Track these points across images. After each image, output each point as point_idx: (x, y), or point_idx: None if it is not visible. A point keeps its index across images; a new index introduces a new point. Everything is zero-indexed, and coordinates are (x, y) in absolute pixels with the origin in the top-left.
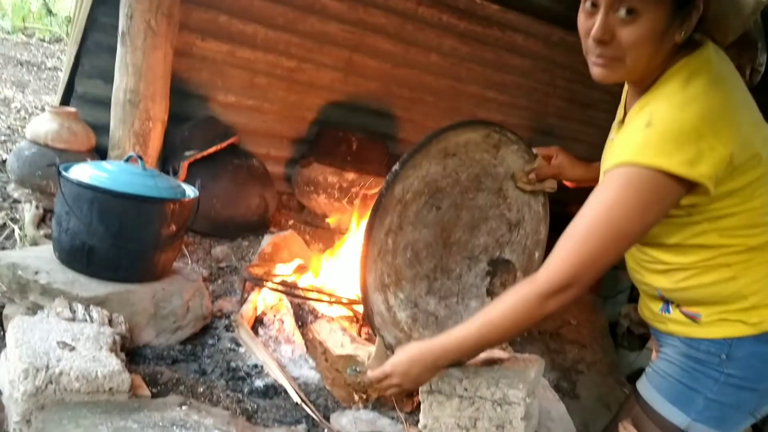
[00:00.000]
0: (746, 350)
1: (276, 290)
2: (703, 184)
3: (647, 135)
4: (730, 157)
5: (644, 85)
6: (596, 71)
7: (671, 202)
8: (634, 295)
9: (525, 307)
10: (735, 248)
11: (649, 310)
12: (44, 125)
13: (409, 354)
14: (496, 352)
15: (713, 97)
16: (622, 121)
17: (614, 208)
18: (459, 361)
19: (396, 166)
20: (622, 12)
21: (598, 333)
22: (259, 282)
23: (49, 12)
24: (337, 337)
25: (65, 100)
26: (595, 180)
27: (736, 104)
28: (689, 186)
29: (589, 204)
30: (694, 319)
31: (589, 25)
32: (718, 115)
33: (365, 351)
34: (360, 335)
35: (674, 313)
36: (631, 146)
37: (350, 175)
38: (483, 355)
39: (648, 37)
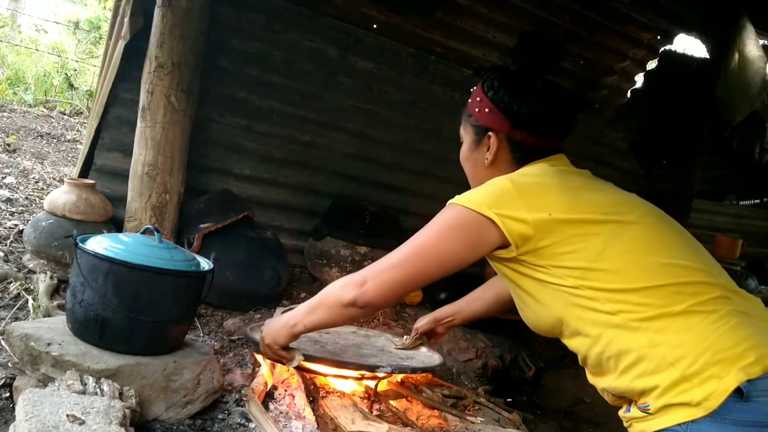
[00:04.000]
0: None
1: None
2: (504, 233)
3: (471, 191)
4: (543, 207)
5: None
6: None
7: (481, 238)
8: None
9: (332, 291)
10: (620, 305)
11: (622, 416)
12: (62, 196)
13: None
14: (509, 431)
15: (532, 172)
16: None
17: (426, 230)
18: (297, 323)
19: None
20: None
21: (613, 412)
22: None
23: (71, 86)
24: (349, 413)
25: (84, 172)
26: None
27: (559, 180)
28: (499, 234)
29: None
30: (646, 410)
31: None
32: (532, 183)
33: (377, 428)
34: (371, 411)
35: (633, 410)
36: (460, 196)
37: (363, 249)
38: None
39: (464, 155)
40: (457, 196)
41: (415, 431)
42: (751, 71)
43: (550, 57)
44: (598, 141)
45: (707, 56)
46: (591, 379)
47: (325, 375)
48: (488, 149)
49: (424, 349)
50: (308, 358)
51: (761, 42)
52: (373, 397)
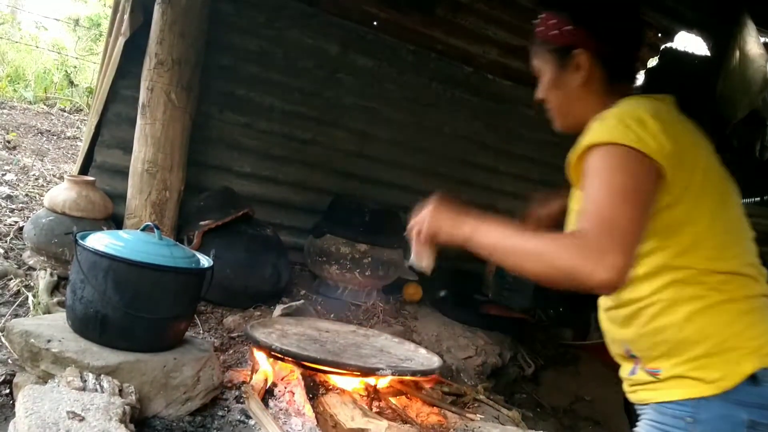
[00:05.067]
0: (712, 412)
1: (283, 359)
2: (659, 167)
3: (601, 122)
4: (678, 154)
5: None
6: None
7: (647, 176)
8: None
9: (565, 250)
10: (681, 272)
11: (624, 380)
12: (62, 194)
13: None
14: (509, 429)
15: (654, 104)
16: None
17: (604, 176)
18: (480, 245)
19: None
20: (537, 76)
21: (612, 409)
22: (266, 349)
23: (71, 83)
24: (348, 410)
25: (84, 169)
26: None
27: (680, 119)
28: (653, 167)
29: (586, 188)
30: (655, 375)
31: None
32: (662, 112)
33: (376, 425)
34: (371, 408)
35: (639, 374)
36: (596, 132)
37: (363, 246)
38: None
39: (551, 87)
40: (594, 136)
41: (414, 428)
42: (752, 69)
43: None
44: None
45: (708, 54)
46: (610, 326)
47: (325, 372)
48: (578, 68)
49: (422, 351)
50: (307, 359)
51: (762, 40)
52: (372, 394)
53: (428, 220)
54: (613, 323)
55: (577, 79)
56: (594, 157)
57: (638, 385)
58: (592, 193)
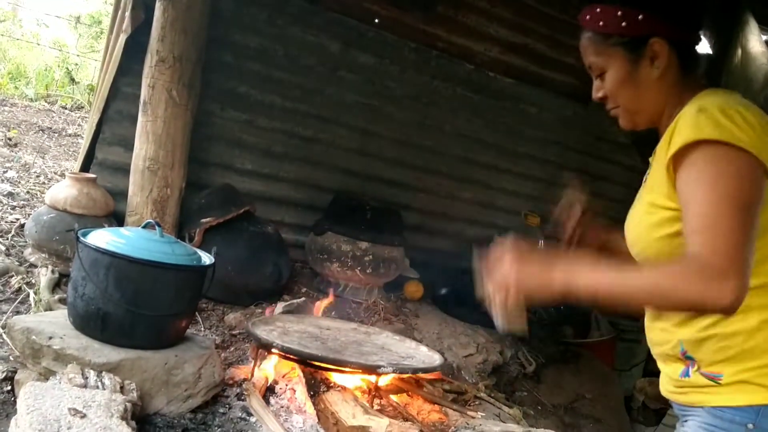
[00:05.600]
0: None
1: (285, 357)
2: (764, 164)
3: (704, 117)
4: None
5: (666, 126)
6: (619, 123)
7: (757, 179)
8: (649, 369)
9: (684, 280)
10: (761, 279)
11: (670, 380)
12: (63, 191)
13: (536, 251)
14: (510, 426)
15: (750, 103)
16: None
17: (718, 182)
18: (585, 290)
19: None
20: (596, 73)
21: (613, 408)
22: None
23: (72, 80)
24: (350, 407)
25: (85, 167)
26: None
27: (761, 113)
28: (760, 167)
29: (694, 192)
30: (715, 380)
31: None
32: (760, 113)
33: (378, 422)
34: (372, 406)
35: (694, 376)
36: (688, 129)
37: (364, 244)
38: (498, 429)
39: (621, 82)
40: (699, 131)
41: (415, 426)
42: (754, 67)
43: None
44: (601, 137)
45: (709, 52)
46: (661, 324)
47: (326, 369)
48: (654, 59)
49: (423, 349)
50: (309, 356)
51: (764, 38)
52: (373, 391)
53: (513, 279)
54: (666, 321)
55: (654, 71)
56: (697, 158)
57: (690, 387)
58: (700, 204)
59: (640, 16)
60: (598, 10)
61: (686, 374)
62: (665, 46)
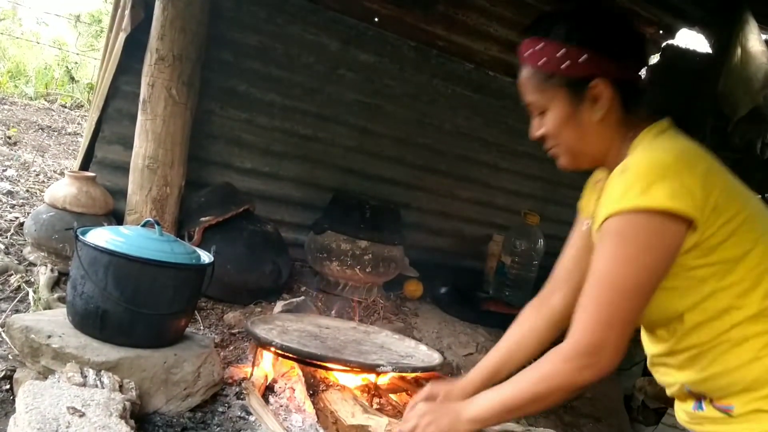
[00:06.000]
0: None
1: (284, 356)
2: (690, 219)
3: (625, 180)
4: (708, 197)
5: (614, 166)
6: (558, 163)
7: (671, 241)
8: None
9: (555, 376)
10: (747, 311)
11: (684, 412)
12: (63, 189)
13: (436, 406)
14: (509, 426)
15: (683, 142)
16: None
17: (611, 263)
18: (485, 422)
19: None
20: (535, 112)
21: (612, 407)
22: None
23: (72, 79)
24: (349, 406)
25: (84, 165)
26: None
27: (706, 159)
28: (683, 223)
29: (593, 267)
30: (728, 413)
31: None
32: (692, 156)
33: (377, 421)
34: (372, 405)
35: (708, 409)
36: (612, 197)
37: (363, 243)
38: (497, 428)
39: (562, 123)
40: (614, 203)
41: None
42: (754, 66)
43: None
44: None
45: (710, 51)
46: (663, 370)
47: (326, 369)
48: (596, 101)
49: (423, 348)
50: (308, 355)
51: (764, 37)
52: (373, 390)
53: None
54: (667, 367)
55: (596, 113)
56: (610, 226)
57: (706, 419)
58: (597, 274)
59: (583, 56)
60: (539, 45)
61: (699, 407)
62: (608, 88)
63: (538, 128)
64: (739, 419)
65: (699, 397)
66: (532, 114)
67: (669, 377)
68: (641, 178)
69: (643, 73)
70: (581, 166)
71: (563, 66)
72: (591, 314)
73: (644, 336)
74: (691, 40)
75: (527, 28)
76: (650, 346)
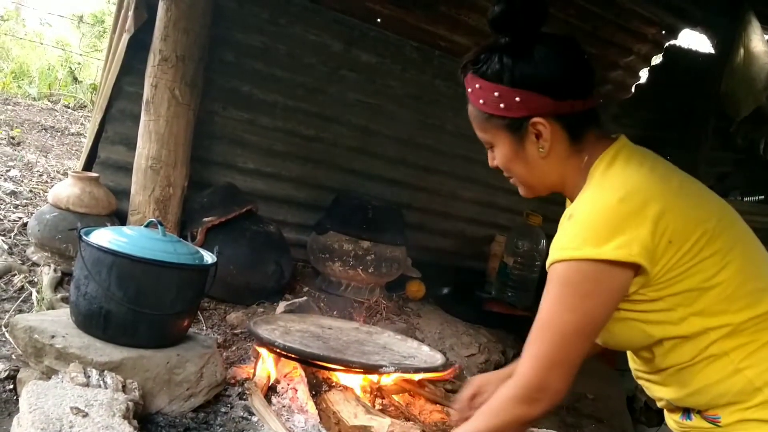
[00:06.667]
0: None
1: (287, 357)
2: (637, 264)
3: (571, 228)
4: (661, 237)
5: (574, 194)
6: (520, 192)
7: (616, 287)
8: None
9: (506, 412)
10: (723, 330)
11: (674, 421)
12: (66, 190)
13: None
14: None
15: (632, 176)
16: None
17: (556, 308)
18: None
19: None
20: (487, 146)
21: (615, 408)
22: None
23: (75, 80)
24: (351, 407)
25: (88, 166)
26: None
27: (662, 181)
28: (630, 269)
29: (540, 308)
30: (715, 423)
31: None
32: (642, 193)
33: (379, 422)
34: (374, 405)
35: (696, 420)
36: (559, 243)
37: (365, 243)
38: None
39: (509, 160)
40: (560, 250)
41: (417, 426)
42: (757, 66)
43: (534, 8)
44: None
45: (712, 52)
46: (647, 384)
47: (328, 369)
48: (539, 137)
49: (425, 348)
50: (311, 356)
51: (767, 37)
52: (375, 391)
53: None
54: (651, 383)
55: (538, 149)
56: (555, 272)
57: (694, 429)
58: (540, 317)
59: (517, 98)
60: (477, 86)
61: (688, 418)
62: (548, 125)
63: (492, 160)
64: (726, 429)
65: (686, 410)
66: (487, 148)
67: (656, 392)
68: (586, 228)
69: (593, 100)
70: (540, 193)
71: (500, 107)
72: (535, 355)
73: (629, 354)
74: (693, 40)
75: (464, 65)
76: (634, 363)
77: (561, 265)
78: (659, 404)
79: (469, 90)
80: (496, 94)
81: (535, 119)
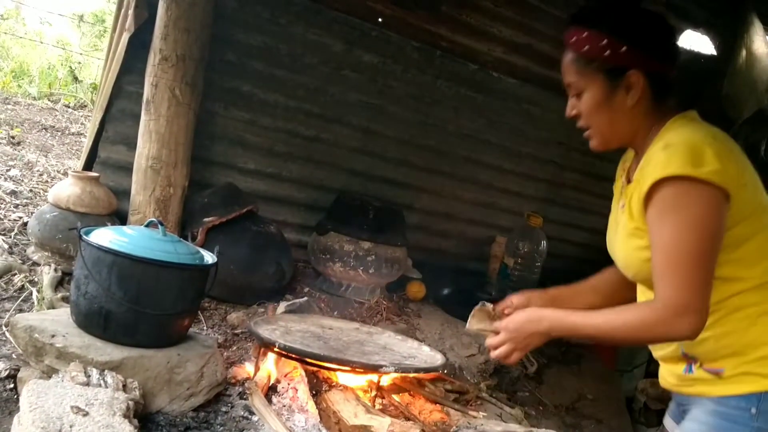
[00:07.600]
0: None
1: (287, 356)
2: (727, 192)
3: (671, 152)
4: (741, 176)
5: (643, 149)
6: (591, 144)
7: (715, 206)
8: (650, 370)
9: (656, 323)
10: (750, 282)
11: (672, 375)
12: (66, 189)
13: (526, 314)
14: (511, 426)
15: (716, 130)
16: (622, 193)
17: (676, 234)
18: (568, 336)
19: None
20: (573, 92)
21: (614, 408)
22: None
23: (75, 79)
24: (351, 406)
25: (88, 165)
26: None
27: (736, 144)
28: (722, 193)
29: (658, 238)
30: (718, 374)
31: None
32: (726, 139)
33: (380, 422)
34: (374, 405)
35: (697, 372)
36: (659, 165)
37: (366, 244)
38: (500, 429)
39: (595, 107)
40: (662, 169)
41: (417, 425)
42: (759, 68)
43: None
44: None
45: (714, 53)
46: None
47: (329, 369)
48: (629, 90)
49: (426, 349)
50: (311, 356)
51: None
52: (375, 391)
53: (518, 345)
54: None
55: (629, 100)
56: (663, 196)
57: (696, 381)
58: (664, 246)
59: (623, 48)
60: (585, 34)
61: (689, 371)
62: (641, 79)
63: (573, 108)
64: (728, 380)
65: (690, 361)
66: (569, 94)
67: None
68: (685, 152)
69: (675, 68)
70: (610, 146)
71: (604, 54)
72: (671, 281)
73: (646, 294)
74: (695, 41)
75: (573, 17)
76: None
77: (666, 185)
78: (662, 353)
79: (573, 39)
80: (604, 42)
81: (633, 71)
